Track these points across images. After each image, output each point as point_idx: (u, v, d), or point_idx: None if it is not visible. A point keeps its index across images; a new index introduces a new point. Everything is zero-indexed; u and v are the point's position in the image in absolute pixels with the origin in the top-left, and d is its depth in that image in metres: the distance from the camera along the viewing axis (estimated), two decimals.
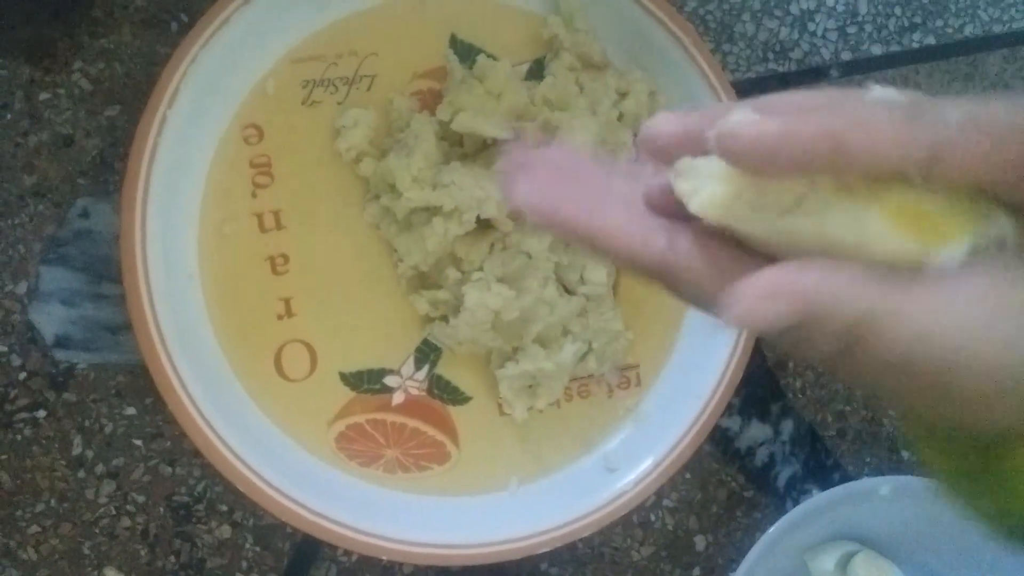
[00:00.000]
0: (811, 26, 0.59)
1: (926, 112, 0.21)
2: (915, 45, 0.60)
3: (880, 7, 0.60)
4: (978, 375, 0.20)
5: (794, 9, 0.58)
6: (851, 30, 0.59)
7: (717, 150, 0.22)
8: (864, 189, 0.22)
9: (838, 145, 0.20)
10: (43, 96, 0.48)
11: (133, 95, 0.48)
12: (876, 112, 0.21)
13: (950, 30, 0.61)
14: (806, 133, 0.20)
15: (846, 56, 0.59)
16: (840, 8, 0.59)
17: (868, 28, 0.59)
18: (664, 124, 0.24)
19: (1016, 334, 0.20)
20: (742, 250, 0.23)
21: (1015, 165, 0.20)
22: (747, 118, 0.21)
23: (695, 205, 0.23)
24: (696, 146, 0.23)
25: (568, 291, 0.49)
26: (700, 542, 0.54)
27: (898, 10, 0.60)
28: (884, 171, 0.21)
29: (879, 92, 0.22)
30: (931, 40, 0.61)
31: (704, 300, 0.23)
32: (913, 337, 0.20)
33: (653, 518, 0.53)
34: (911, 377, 0.21)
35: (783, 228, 0.22)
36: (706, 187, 0.23)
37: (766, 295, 0.20)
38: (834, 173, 0.21)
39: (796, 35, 0.58)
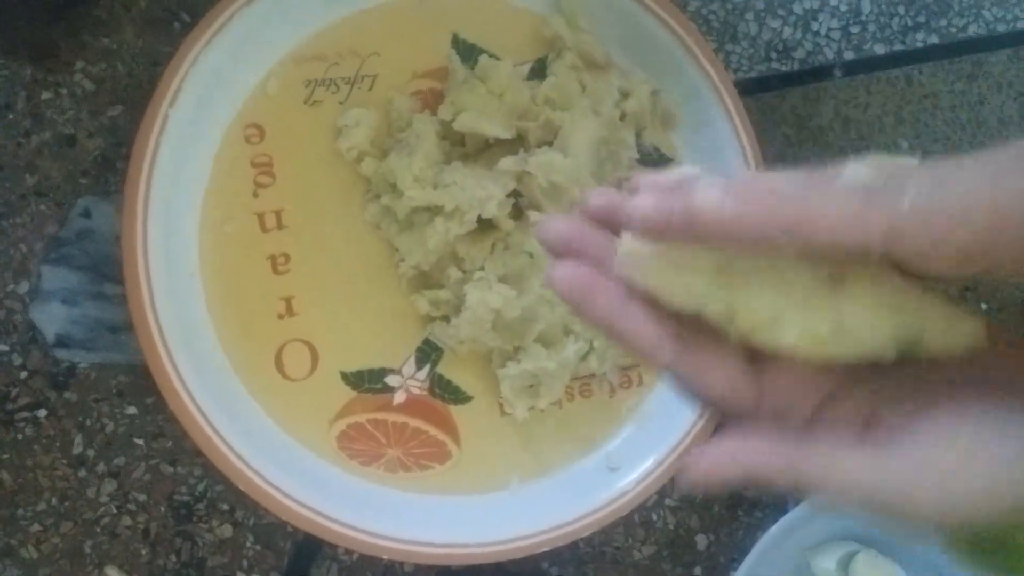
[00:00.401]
0: (814, 25, 0.58)
1: (881, 196, 0.22)
2: (919, 44, 0.60)
3: (883, 6, 0.60)
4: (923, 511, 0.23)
5: (797, 8, 0.58)
6: (854, 29, 0.59)
7: (680, 223, 0.23)
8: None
9: (793, 231, 0.22)
10: (45, 96, 0.48)
11: (135, 95, 0.48)
12: (832, 199, 0.22)
13: (954, 29, 0.61)
14: (760, 219, 0.22)
15: (849, 55, 0.59)
16: (843, 7, 0.59)
17: (871, 27, 0.59)
18: (596, 197, 0.27)
19: (938, 495, 0.23)
20: (753, 371, 0.26)
21: (964, 251, 0.21)
22: (711, 198, 0.22)
23: (618, 265, 0.25)
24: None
25: None
26: (701, 541, 0.54)
27: (901, 9, 0.60)
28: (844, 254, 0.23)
29: (850, 174, 0.22)
30: (935, 39, 0.60)
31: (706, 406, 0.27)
32: (842, 490, 0.24)
33: (655, 517, 0.53)
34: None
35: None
36: (631, 246, 0.25)
37: (710, 470, 0.25)
38: (794, 254, 0.24)
39: (799, 34, 0.58)
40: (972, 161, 0.22)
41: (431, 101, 0.50)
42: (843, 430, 0.25)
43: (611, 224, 0.27)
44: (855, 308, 0.24)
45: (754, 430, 0.26)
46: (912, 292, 0.25)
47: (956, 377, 0.25)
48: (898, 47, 0.60)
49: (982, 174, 0.21)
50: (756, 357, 0.26)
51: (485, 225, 0.47)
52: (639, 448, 0.51)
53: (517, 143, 0.49)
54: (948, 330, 0.25)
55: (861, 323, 0.24)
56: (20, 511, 0.46)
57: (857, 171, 0.22)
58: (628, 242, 0.26)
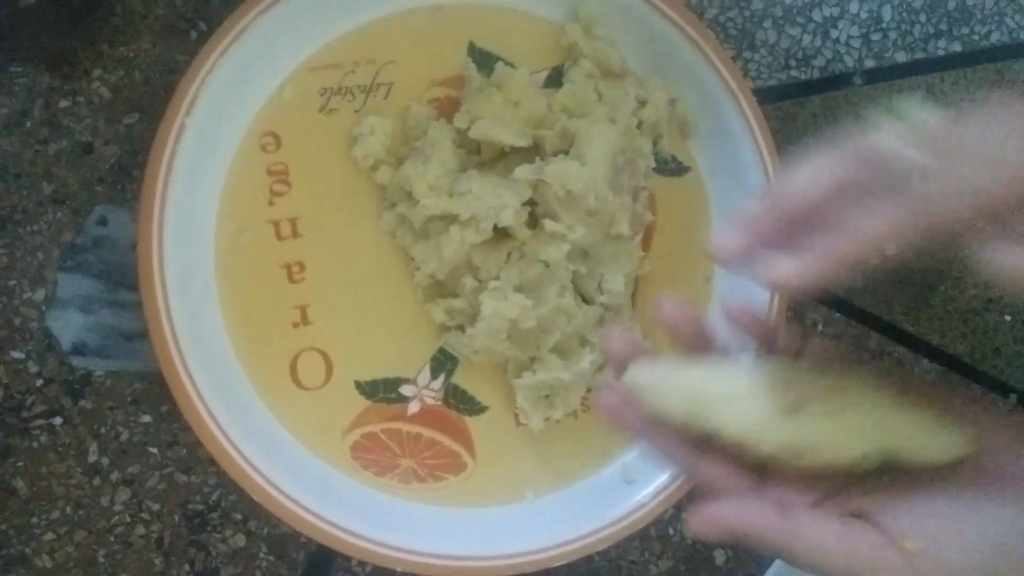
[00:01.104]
0: (834, 33, 0.58)
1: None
2: (940, 52, 0.59)
3: (904, 14, 0.59)
4: None
5: (817, 16, 0.58)
6: (875, 37, 0.58)
7: None
8: None
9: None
10: (63, 104, 0.48)
11: (152, 103, 0.48)
12: None
13: (976, 37, 0.60)
14: None
15: (870, 63, 0.58)
16: (864, 15, 0.58)
17: (892, 35, 0.59)
18: (672, 310, 0.35)
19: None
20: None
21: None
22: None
23: (626, 376, 0.33)
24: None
25: (586, 300, 0.49)
26: (719, 556, 0.53)
27: (923, 17, 0.59)
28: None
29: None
30: (957, 47, 0.60)
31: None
32: (816, 565, 0.29)
33: (671, 531, 0.52)
34: None
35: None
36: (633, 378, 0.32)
37: (704, 525, 0.30)
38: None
39: (819, 42, 0.58)
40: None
41: (447, 109, 0.50)
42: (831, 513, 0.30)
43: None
44: (820, 428, 0.29)
45: (749, 498, 0.31)
46: (893, 411, 0.29)
47: (947, 474, 0.29)
48: (919, 55, 0.59)
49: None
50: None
51: (501, 234, 0.47)
52: (654, 462, 0.50)
53: (533, 151, 0.48)
54: (925, 445, 0.29)
55: (827, 441, 0.29)
56: (34, 519, 0.46)
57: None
58: (631, 374, 0.32)
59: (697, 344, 0.34)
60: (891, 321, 0.56)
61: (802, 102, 0.57)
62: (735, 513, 0.30)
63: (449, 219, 0.46)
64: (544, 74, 0.52)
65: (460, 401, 0.49)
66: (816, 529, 0.29)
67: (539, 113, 0.49)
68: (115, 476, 0.47)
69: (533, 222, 0.48)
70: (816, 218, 0.28)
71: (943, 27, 0.59)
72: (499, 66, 0.50)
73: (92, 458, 0.47)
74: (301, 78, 0.48)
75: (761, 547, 0.30)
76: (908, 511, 0.29)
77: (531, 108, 0.49)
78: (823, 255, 0.27)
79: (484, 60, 0.51)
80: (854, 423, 0.29)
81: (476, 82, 0.49)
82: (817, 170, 0.28)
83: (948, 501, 0.28)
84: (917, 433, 0.29)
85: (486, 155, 0.49)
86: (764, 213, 0.29)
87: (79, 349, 0.46)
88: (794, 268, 0.27)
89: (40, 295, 0.47)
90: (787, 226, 0.28)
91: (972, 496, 0.28)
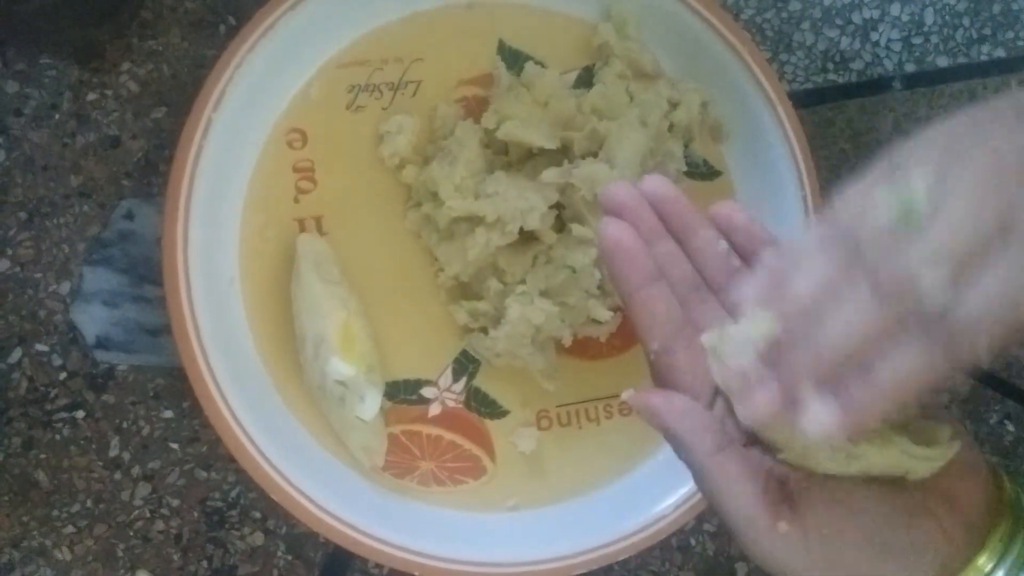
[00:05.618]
0: (874, 36, 0.56)
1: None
2: (984, 58, 0.58)
3: (947, 18, 0.57)
4: None
5: (856, 18, 0.56)
6: (916, 41, 0.57)
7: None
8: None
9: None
10: (91, 97, 0.48)
11: (180, 97, 0.48)
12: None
13: (1021, 43, 0.58)
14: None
15: (910, 68, 0.57)
16: (905, 18, 0.57)
17: (934, 39, 0.57)
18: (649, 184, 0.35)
19: None
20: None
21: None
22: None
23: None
24: None
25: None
26: (741, 569, 0.52)
27: (966, 21, 0.58)
28: None
29: None
30: (1001, 53, 0.58)
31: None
32: (722, 507, 0.31)
33: (693, 542, 0.52)
34: None
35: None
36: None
37: (641, 408, 0.32)
38: None
39: (858, 45, 0.56)
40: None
41: (475, 108, 0.49)
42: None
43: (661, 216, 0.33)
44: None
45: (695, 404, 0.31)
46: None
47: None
48: (962, 60, 0.57)
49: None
50: None
51: (527, 237, 0.46)
52: (679, 470, 0.49)
53: (561, 153, 0.48)
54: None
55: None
56: (55, 512, 0.46)
57: None
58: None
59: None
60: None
61: (839, 106, 0.56)
62: (677, 420, 0.30)
63: (475, 220, 0.45)
64: (574, 74, 0.51)
65: (481, 404, 0.49)
66: (739, 486, 0.29)
67: (568, 114, 0.48)
68: (136, 471, 0.47)
69: (560, 225, 0.47)
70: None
71: (987, 32, 0.58)
72: (529, 65, 0.49)
73: (113, 452, 0.47)
74: (329, 74, 0.48)
75: (677, 452, 0.31)
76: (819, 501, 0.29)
77: (560, 109, 0.48)
78: (858, 408, 0.26)
79: (514, 59, 0.50)
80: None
81: (505, 81, 0.49)
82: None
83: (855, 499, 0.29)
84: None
85: (513, 156, 0.48)
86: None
87: (103, 343, 0.46)
88: (834, 424, 0.26)
89: (65, 288, 0.47)
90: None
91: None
